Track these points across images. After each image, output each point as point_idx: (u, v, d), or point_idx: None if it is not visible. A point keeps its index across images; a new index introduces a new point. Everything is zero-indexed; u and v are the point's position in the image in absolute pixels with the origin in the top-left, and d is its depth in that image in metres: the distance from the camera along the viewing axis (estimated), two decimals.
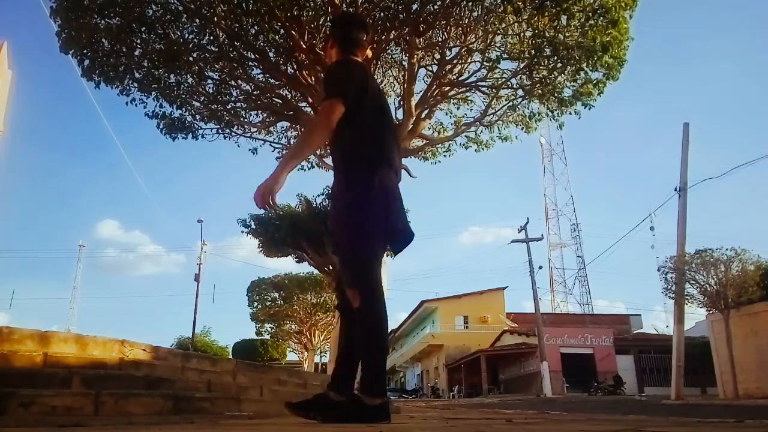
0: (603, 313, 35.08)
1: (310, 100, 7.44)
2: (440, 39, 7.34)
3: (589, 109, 7.60)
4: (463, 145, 9.12)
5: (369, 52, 2.59)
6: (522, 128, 8.51)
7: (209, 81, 7.59)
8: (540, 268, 25.98)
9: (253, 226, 16.57)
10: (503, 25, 6.99)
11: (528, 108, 8.20)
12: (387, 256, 2.29)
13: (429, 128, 8.73)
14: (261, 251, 17.22)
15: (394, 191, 2.28)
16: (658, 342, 25.52)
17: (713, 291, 12.63)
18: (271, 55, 7.14)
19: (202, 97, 7.68)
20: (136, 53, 6.80)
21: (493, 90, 7.83)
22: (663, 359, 22.98)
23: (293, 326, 28.97)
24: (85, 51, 6.64)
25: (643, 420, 3.32)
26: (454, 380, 33.65)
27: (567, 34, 6.65)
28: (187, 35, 6.80)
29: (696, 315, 34.26)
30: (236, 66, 7.13)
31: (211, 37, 6.81)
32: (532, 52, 6.87)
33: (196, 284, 26.46)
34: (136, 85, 7.21)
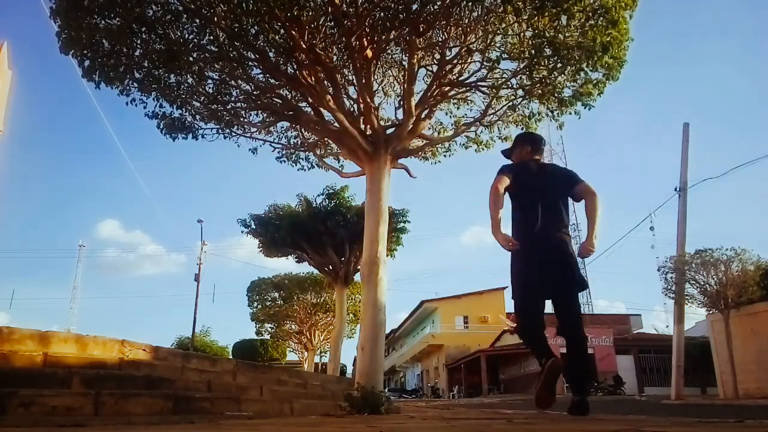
0: (603, 313, 35.07)
1: (310, 100, 7.42)
2: (440, 39, 7.32)
3: (589, 109, 7.59)
4: (463, 145, 9.11)
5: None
6: (522, 128, 8.49)
7: (209, 81, 7.57)
8: None
9: (253, 226, 16.57)
10: (503, 25, 6.98)
11: (528, 108, 8.18)
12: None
13: (429, 128, 8.72)
14: (261, 251, 17.21)
15: (531, 256, 3.36)
16: (658, 342, 25.52)
17: (713, 291, 12.63)
18: (271, 55, 7.12)
19: (202, 97, 7.66)
20: (137, 53, 6.78)
21: (493, 90, 7.81)
22: (663, 359, 22.99)
23: (293, 326, 28.93)
24: (85, 51, 6.62)
25: (643, 420, 3.32)
26: (454, 380, 33.67)
27: (567, 35, 6.63)
28: (187, 35, 6.78)
29: (696, 315, 34.28)
30: (236, 66, 7.12)
31: (211, 37, 6.79)
32: (532, 52, 6.86)
33: (196, 284, 26.52)
34: (136, 85, 7.18)
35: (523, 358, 27.56)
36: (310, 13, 6.55)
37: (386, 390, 16.60)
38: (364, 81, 7.16)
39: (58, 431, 1.96)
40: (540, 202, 3.40)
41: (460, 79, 7.84)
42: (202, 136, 8.14)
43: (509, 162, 3.82)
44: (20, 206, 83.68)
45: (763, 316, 12.88)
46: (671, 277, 13.31)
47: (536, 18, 6.38)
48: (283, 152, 9.33)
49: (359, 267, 11.42)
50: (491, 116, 8.29)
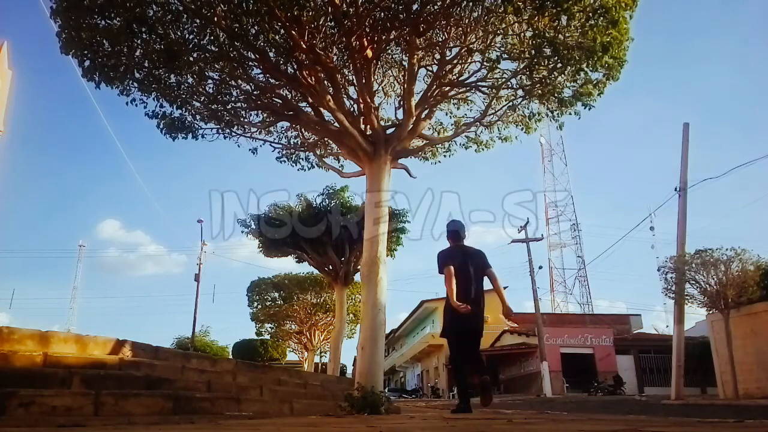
0: (603, 313, 35.05)
1: (310, 100, 7.42)
2: (440, 39, 7.32)
3: (589, 109, 7.58)
4: (463, 145, 9.11)
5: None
6: (522, 128, 8.49)
7: (209, 81, 7.56)
8: (540, 268, 25.99)
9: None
10: (503, 26, 6.97)
11: (528, 108, 8.18)
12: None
13: (429, 128, 8.71)
14: (261, 251, 17.21)
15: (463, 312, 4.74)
16: (658, 342, 25.53)
17: (713, 291, 12.62)
18: (271, 55, 7.11)
19: (203, 97, 7.65)
20: (137, 53, 6.77)
21: (493, 90, 7.81)
22: (663, 359, 22.98)
23: (293, 326, 28.94)
24: (85, 51, 6.61)
25: (643, 420, 3.32)
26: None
27: (567, 35, 6.63)
28: (187, 35, 6.77)
29: (696, 315, 34.21)
30: (236, 66, 7.11)
31: (212, 37, 6.79)
32: (532, 52, 6.85)
33: (196, 284, 26.51)
34: (136, 85, 7.17)
35: (523, 359, 27.57)
36: (310, 13, 6.54)
37: (386, 390, 16.59)
38: (364, 81, 7.15)
39: (58, 431, 1.96)
40: (470, 275, 4.93)
41: (460, 79, 7.84)
42: (202, 136, 8.14)
43: (446, 246, 5.22)
44: (20, 206, 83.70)
45: (763, 316, 12.88)
46: (671, 277, 13.30)
47: (536, 18, 6.38)
48: (283, 152, 9.32)
49: (359, 267, 11.41)
50: (491, 116, 8.29)
